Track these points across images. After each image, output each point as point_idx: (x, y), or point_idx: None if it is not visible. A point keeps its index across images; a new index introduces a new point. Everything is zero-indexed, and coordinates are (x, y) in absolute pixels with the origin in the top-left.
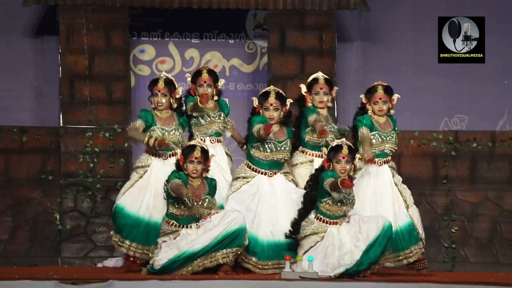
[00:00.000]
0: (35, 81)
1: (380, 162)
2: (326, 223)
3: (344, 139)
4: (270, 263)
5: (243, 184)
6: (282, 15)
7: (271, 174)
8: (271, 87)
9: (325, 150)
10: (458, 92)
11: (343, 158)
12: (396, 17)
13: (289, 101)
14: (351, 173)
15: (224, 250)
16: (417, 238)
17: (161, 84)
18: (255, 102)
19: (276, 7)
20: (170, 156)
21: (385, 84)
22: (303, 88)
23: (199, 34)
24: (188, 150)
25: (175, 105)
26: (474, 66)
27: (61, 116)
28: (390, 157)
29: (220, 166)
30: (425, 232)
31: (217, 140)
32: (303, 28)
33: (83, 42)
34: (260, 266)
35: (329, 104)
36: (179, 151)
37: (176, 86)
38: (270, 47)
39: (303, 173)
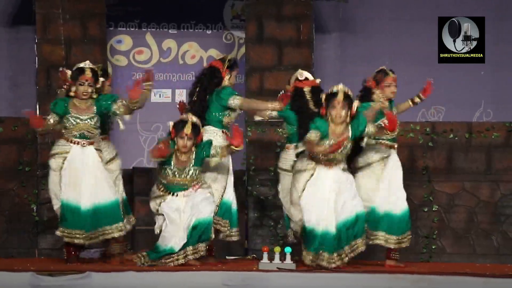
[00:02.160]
0: (11, 71)
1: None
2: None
3: (341, 85)
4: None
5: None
6: (260, 5)
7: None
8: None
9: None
10: (435, 82)
11: (338, 103)
12: (373, 7)
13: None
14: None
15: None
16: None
17: (88, 74)
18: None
19: None
20: (89, 144)
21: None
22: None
23: (177, 25)
24: (179, 126)
25: (95, 95)
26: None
27: (37, 106)
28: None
29: None
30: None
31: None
32: (281, 18)
33: (60, 32)
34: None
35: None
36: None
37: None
38: (247, 37)
39: None
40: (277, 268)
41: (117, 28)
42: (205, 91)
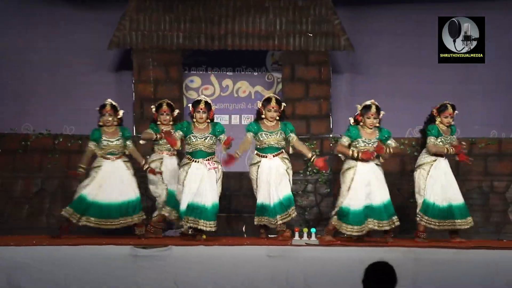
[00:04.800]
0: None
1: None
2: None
3: (373, 100)
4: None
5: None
6: (292, 54)
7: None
8: (271, 94)
9: (358, 107)
10: (417, 110)
11: (372, 115)
12: (374, 55)
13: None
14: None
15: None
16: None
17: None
18: (259, 105)
19: (287, 49)
20: (116, 159)
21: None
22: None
23: (232, 68)
24: (195, 103)
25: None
26: (431, 89)
27: (134, 128)
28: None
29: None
30: (396, 211)
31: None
32: (307, 63)
33: (150, 75)
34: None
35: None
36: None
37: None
38: (283, 77)
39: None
40: (306, 243)
41: (190, 72)
42: None
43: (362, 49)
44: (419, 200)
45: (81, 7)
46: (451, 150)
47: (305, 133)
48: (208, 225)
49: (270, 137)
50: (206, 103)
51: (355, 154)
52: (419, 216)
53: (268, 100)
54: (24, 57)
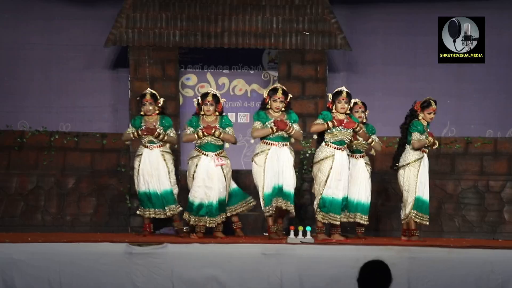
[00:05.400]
0: (112, 100)
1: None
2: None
3: (344, 87)
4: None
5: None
6: (289, 53)
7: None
8: (278, 84)
9: (330, 95)
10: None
11: (343, 99)
12: (370, 55)
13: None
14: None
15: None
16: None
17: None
18: (265, 94)
19: (284, 47)
20: (157, 147)
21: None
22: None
23: (229, 66)
24: (203, 96)
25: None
26: (426, 88)
27: (129, 124)
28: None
29: None
30: (390, 209)
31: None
32: (304, 62)
33: (146, 72)
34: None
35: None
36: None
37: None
38: (279, 76)
39: None
40: (300, 242)
41: (186, 69)
42: None
43: (358, 48)
44: (409, 198)
45: (77, 3)
46: (430, 140)
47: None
48: (211, 222)
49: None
50: (214, 95)
51: (330, 124)
52: (413, 214)
53: (274, 90)
54: (18, 53)
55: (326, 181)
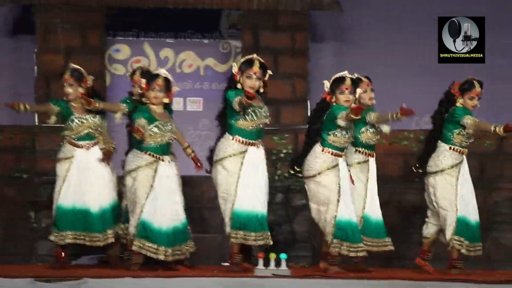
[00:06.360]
0: (11, 80)
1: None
2: (335, 155)
3: (346, 72)
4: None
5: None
6: (255, 15)
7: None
8: (255, 55)
9: (327, 83)
10: (429, 91)
11: (346, 89)
12: (368, 15)
13: (269, 72)
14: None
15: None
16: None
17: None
18: (235, 69)
19: (249, 7)
20: (93, 146)
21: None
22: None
23: (174, 34)
24: (151, 78)
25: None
26: (441, 66)
27: (36, 115)
28: None
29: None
30: (395, 229)
31: None
32: (276, 28)
33: (59, 42)
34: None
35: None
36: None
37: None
38: (243, 47)
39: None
40: (272, 274)
41: (116, 38)
42: None
43: (351, 8)
44: (449, 219)
45: None
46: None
47: (273, 124)
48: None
49: (259, 114)
50: (166, 79)
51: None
52: (456, 243)
53: (249, 63)
54: None
55: (338, 200)
